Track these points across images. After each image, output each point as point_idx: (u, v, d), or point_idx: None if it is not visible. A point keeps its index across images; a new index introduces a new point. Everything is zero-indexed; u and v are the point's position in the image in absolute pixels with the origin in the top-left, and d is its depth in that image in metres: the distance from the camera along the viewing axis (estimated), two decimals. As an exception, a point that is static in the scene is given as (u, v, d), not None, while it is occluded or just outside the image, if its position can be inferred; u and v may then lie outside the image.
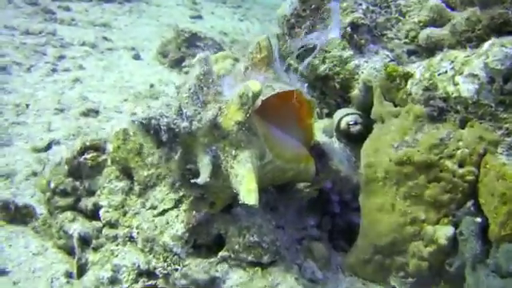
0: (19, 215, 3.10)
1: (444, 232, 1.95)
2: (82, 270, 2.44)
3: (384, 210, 2.10)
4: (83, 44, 6.06)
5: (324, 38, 2.44)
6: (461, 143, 1.93)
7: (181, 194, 2.17)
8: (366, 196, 2.17)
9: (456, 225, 1.96)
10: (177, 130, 1.95)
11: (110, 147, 2.53)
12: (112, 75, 5.51)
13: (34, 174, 3.60)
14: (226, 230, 2.12)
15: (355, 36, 2.38)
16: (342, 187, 2.32)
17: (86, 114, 4.59)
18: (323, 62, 2.49)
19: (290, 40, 2.56)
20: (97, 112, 4.65)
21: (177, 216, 2.21)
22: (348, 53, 2.42)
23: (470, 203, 1.93)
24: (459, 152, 1.92)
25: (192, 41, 5.57)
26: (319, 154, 2.32)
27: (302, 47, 2.48)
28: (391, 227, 2.07)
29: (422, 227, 2.01)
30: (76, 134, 4.16)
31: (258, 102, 1.98)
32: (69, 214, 2.60)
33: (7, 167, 3.64)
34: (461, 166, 1.93)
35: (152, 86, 5.08)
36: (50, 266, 2.74)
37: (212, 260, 2.11)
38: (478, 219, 1.90)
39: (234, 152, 1.94)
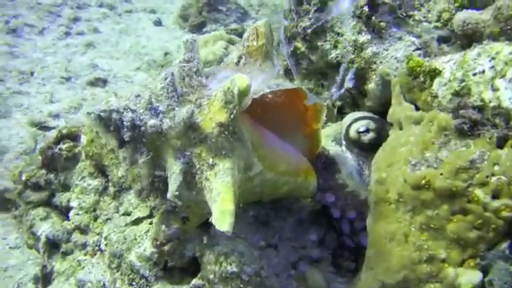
0: (0, 201, 2.84)
1: (469, 278, 1.54)
2: (47, 279, 2.16)
3: (395, 240, 1.69)
4: (101, 5, 5.71)
5: (336, 11, 1.98)
6: (497, 168, 1.48)
7: (149, 203, 1.81)
8: (374, 219, 1.76)
9: (485, 269, 1.54)
10: (143, 128, 1.57)
11: (83, 139, 2.19)
12: (128, 40, 5.17)
13: (26, 152, 3.35)
14: (202, 254, 1.77)
15: (373, 17, 1.92)
16: (346, 203, 1.92)
17: (94, 83, 4.29)
18: (335, 46, 2.05)
19: (297, 18, 2.12)
20: (105, 81, 4.34)
21: (147, 231, 1.87)
22: (364, 37, 1.96)
23: (505, 245, 1.50)
24: (494, 179, 1.48)
25: (214, 4, 5.13)
26: (325, 165, 1.92)
27: (310, 27, 2.03)
28: (403, 262, 1.67)
29: (442, 268, 1.60)
30: (78, 107, 3.87)
31: (248, 102, 1.59)
32: (41, 211, 2.32)
33: (-1, 143, 3.39)
34: (495, 197, 1.49)
35: (167, 54, 4.70)
36: (23, 265, 2.50)
37: (184, 288, 1.78)
38: (515, 267, 1.47)
39: (211, 160, 1.55)
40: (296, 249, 1.99)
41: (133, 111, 1.58)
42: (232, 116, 1.51)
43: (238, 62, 1.82)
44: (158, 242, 1.79)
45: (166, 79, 1.63)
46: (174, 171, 1.57)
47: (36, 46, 4.85)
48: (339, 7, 2.02)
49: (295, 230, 2.02)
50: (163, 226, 1.78)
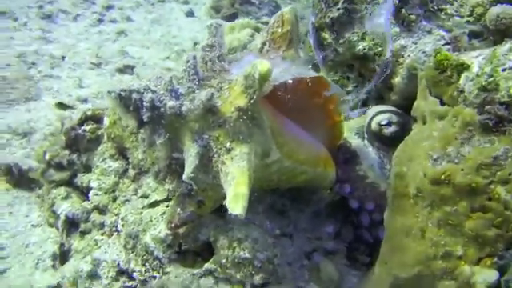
0: (25, 179, 2.90)
1: (484, 276, 1.50)
2: (65, 256, 2.19)
3: (412, 235, 1.66)
4: (135, -7, 5.76)
5: (369, 25, 1.95)
6: (521, 166, 1.45)
7: (166, 186, 1.81)
8: (391, 213, 1.74)
9: (502, 269, 1.50)
10: (162, 109, 1.57)
11: (106, 121, 2.21)
12: (159, 29, 5.20)
13: (53, 134, 3.40)
14: (216, 239, 1.76)
15: (403, 10, 1.89)
16: (365, 194, 1.89)
17: (123, 70, 4.32)
18: (362, 38, 2.02)
19: (325, 8, 2.09)
20: (134, 69, 4.37)
21: (163, 213, 1.88)
22: (393, 30, 1.93)
23: (524, 245, 1.46)
24: (517, 177, 1.44)
25: (246, -4, 5.12)
26: (346, 157, 1.90)
27: (338, 19, 2.01)
28: (418, 257, 1.64)
29: (457, 265, 1.56)
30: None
31: (268, 87, 1.58)
32: (62, 191, 2.36)
33: (28, 125, 3.46)
34: (517, 195, 1.45)
35: (196, 44, 4.72)
36: (44, 242, 2.54)
37: (196, 272, 1.78)
38: (533, 269, 1.43)
39: (229, 145, 1.54)
40: (311, 240, 1.97)
41: (153, 92, 1.58)
42: (252, 101, 1.50)
43: (262, 48, 1.81)
44: (173, 225, 1.79)
45: (188, 62, 1.64)
46: (191, 154, 1.57)
47: (69, 32, 4.92)
48: (373, 22, 1.99)
49: (311, 221, 2.00)
50: (178, 209, 1.78)
